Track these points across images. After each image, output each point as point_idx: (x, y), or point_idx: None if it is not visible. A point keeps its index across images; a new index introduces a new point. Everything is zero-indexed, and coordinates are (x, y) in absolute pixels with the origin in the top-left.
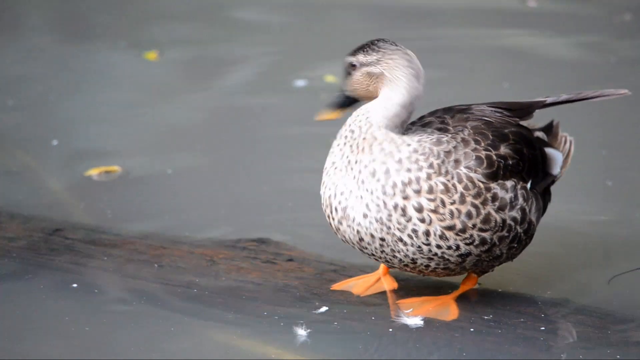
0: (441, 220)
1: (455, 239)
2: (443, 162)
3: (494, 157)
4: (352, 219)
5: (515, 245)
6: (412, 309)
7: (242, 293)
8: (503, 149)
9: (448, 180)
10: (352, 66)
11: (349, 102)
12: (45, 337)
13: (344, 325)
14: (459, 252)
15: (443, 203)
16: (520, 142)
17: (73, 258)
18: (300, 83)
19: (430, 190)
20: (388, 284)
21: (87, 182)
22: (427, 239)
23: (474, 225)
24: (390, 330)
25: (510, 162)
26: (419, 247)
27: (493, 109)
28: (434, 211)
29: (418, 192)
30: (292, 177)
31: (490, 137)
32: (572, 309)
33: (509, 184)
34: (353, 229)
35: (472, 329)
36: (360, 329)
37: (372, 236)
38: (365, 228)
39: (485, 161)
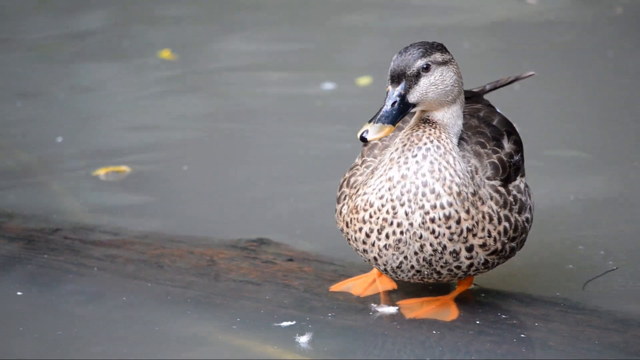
0: (486, 250)
1: (493, 259)
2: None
3: (505, 159)
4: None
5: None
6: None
7: (242, 293)
8: (507, 146)
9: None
10: (426, 68)
11: (405, 112)
12: (45, 337)
13: (343, 325)
14: (487, 266)
15: (489, 234)
16: (512, 130)
17: (73, 258)
18: (328, 86)
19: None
20: (386, 285)
21: (91, 182)
22: (469, 269)
23: (509, 238)
24: (391, 330)
25: (516, 159)
26: (451, 271)
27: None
28: (482, 246)
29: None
30: (294, 178)
31: (490, 135)
32: (571, 308)
33: (522, 185)
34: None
35: (472, 329)
36: (360, 329)
37: (412, 267)
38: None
39: (499, 167)
